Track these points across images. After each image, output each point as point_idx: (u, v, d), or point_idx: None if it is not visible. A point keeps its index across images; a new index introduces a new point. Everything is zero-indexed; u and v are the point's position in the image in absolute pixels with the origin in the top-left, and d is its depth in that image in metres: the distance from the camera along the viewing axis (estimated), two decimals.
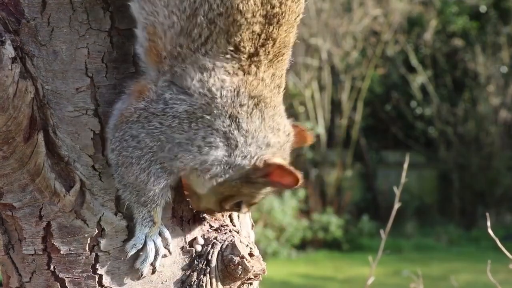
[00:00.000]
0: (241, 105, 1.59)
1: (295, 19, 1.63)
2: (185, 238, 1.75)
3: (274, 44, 1.61)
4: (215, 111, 1.58)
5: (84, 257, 1.68)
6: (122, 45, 1.67)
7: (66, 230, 1.67)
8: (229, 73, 1.58)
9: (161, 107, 1.58)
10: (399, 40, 15.92)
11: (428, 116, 16.03)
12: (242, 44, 1.57)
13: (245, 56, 1.58)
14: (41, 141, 1.63)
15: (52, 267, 1.68)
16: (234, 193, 1.68)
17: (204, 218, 1.79)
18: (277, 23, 1.59)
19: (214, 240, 1.76)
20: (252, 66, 1.60)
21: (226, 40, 1.56)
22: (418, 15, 16.18)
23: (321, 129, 15.02)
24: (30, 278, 1.70)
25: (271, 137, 1.64)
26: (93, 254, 1.68)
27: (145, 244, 1.67)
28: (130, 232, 1.69)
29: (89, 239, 1.67)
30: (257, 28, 1.57)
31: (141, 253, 1.68)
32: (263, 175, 1.64)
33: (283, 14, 1.59)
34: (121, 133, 1.60)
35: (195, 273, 1.73)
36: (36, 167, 1.63)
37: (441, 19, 16.08)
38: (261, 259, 1.77)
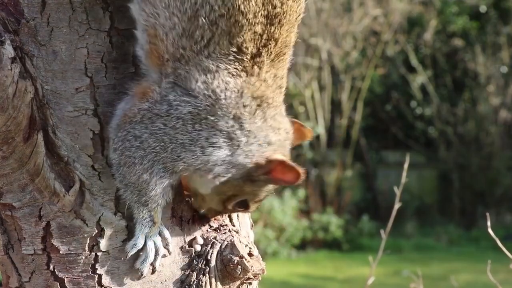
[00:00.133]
0: (244, 106, 1.60)
1: (296, 18, 1.63)
2: (184, 238, 1.75)
3: (276, 44, 1.61)
4: (219, 112, 1.58)
5: (83, 257, 1.68)
6: (121, 45, 1.67)
7: (65, 230, 1.67)
8: (232, 75, 1.58)
9: (165, 108, 1.58)
10: (399, 40, 15.92)
11: (428, 116, 16.03)
12: (244, 45, 1.57)
13: (248, 57, 1.59)
14: (41, 141, 1.63)
15: (51, 267, 1.68)
16: (237, 192, 1.68)
17: (203, 218, 1.79)
18: (279, 23, 1.59)
19: (214, 240, 1.76)
20: (255, 67, 1.60)
21: (228, 41, 1.56)
22: (418, 15, 16.18)
23: (321, 129, 15.02)
24: (30, 278, 1.70)
25: (272, 136, 1.65)
26: (93, 254, 1.68)
27: (145, 244, 1.67)
28: (130, 232, 1.69)
29: (88, 239, 1.67)
30: (259, 29, 1.57)
31: (141, 253, 1.68)
32: (265, 172, 1.65)
33: (285, 14, 1.59)
34: (124, 133, 1.60)
35: (195, 273, 1.73)
36: (36, 167, 1.63)
37: (441, 19, 16.08)
38: (261, 259, 1.77)
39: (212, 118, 1.58)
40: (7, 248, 1.72)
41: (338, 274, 11.14)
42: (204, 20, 1.54)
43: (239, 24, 1.55)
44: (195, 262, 1.74)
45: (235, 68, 1.58)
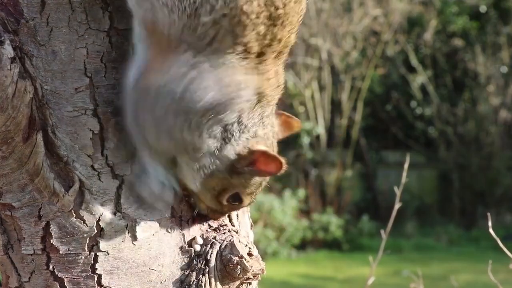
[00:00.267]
0: (247, 101, 1.60)
1: (297, 20, 1.64)
2: (184, 238, 1.75)
3: (279, 44, 1.62)
4: (228, 108, 1.59)
5: (83, 257, 1.68)
6: (121, 45, 1.67)
7: (65, 230, 1.67)
8: (242, 73, 1.59)
9: (183, 85, 1.57)
10: (399, 40, 15.93)
11: (428, 116, 16.04)
12: (249, 44, 1.58)
13: (253, 56, 1.59)
14: (40, 141, 1.63)
15: (51, 267, 1.68)
16: (226, 185, 1.69)
17: (203, 218, 1.79)
18: (281, 24, 1.60)
19: (213, 240, 1.76)
20: (261, 65, 1.61)
21: (232, 40, 1.56)
22: (418, 15, 16.19)
23: (321, 129, 15.03)
24: (29, 278, 1.70)
25: (260, 130, 1.66)
26: (92, 254, 1.68)
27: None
28: (130, 231, 1.69)
29: (88, 239, 1.67)
30: (262, 29, 1.57)
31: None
32: (248, 164, 1.66)
33: (287, 16, 1.60)
34: (143, 83, 1.59)
35: (194, 273, 1.73)
36: (35, 167, 1.63)
37: (441, 19, 16.09)
38: (260, 259, 1.77)
39: (222, 113, 1.59)
40: (7, 248, 1.72)
41: (338, 274, 11.14)
42: (205, 19, 1.54)
43: (243, 24, 1.56)
44: (194, 262, 1.74)
45: (242, 66, 1.59)
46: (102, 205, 1.68)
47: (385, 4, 15.45)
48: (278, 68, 1.66)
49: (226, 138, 1.62)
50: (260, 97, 1.63)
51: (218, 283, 1.73)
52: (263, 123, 1.66)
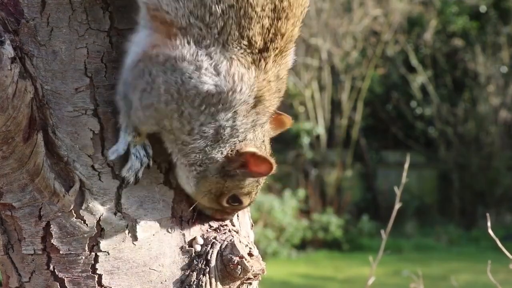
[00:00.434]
0: (245, 102, 1.60)
1: (301, 12, 1.64)
2: (184, 238, 1.75)
3: (282, 38, 1.61)
4: (227, 105, 1.59)
5: (83, 257, 1.68)
6: (121, 45, 1.67)
7: (65, 230, 1.67)
8: (245, 67, 1.58)
9: (192, 69, 1.56)
10: (399, 40, 15.93)
11: (428, 116, 16.04)
12: (254, 38, 1.57)
13: (256, 50, 1.59)
14: (41, 141, 1.63)
15: (51, 267, 1.68)
16: (221, 189, 1.69)
17: (203, 218, 1.79)
18: (286, 17, 1.59)
19: (214, 240, 1.76)
20: (262, 61, 1.60)
21: (239, 33, 1.56)
22: (418, 15, 16.19)
23: (321, 129, 15.03)
24: (30, 278, 1.70)
25: (250, 134, 1.66)
26: (93, 254, 1.68)
27: (129, 152, 1.66)
28: (131, 231, 1.69)
29: (88, 239, 1.67)
30: (266, 22, 1.57)
31: (128, 161, 1.67)
32: (239, 166, 1.66)
33: (291, 7, 1.60)
34: (142, 65, 1.59)
35: (195, 273, 1.73)
36: (36, 167, 1.63)
37: (441, 19, 16.08)
38: (261, 259, 1.77)
39: (219, 106, 1.58)
40: (7, 248, 1.72)
41: (338, 274, 11.14)
42: (213, 9, 1.54)
43: (249, 16, 1.55)
44: (195, 262, 1.74)
45: (246, 60, 1.58)
46: (102, 205, 1.68)
47: (385, 4, 15.45)
48: (280, 71, 1.64)
49: (216, 139, 1.62)
50: (258, 101, 1.62)
51: (218, 283, 1.73)
52: (254, 130, 1.65)
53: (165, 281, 1.72)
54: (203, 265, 1.73)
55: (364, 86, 15.18)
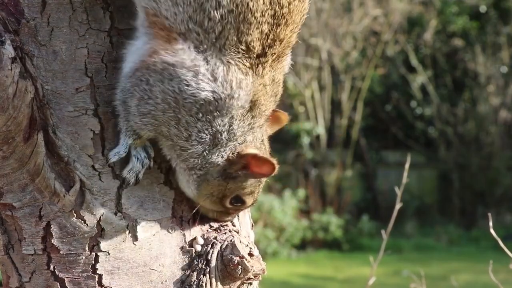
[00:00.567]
0: (242, 107, 1.60)
1: (300, 19, 1.64)
2: (184, 238, 1.75)
3: (280, 44, 1.61)
4: (223, 111, 1.59)
5: (84, 257, 1.68)
6: (121, 45, 1.67)
7: (66, 230, 1.67)
8: (243, 72, 1.58)
9: (190, 77, 1.56)
10: (399, 40, 15.93)
11: (428, 116, 16.03)
12: (252, 44, 1.57)
13: (254, 55, 1.59)
14: (41, 141, 1.63)
15: (51, 267, 1.68)
16: (223, 191, 1.70)
17: (204, 218, 1.79)
18: (285, 23, 1.60)
19: (214, 240, 1.76)
20: (259, 67, 1.60)
21: (237, 38, 1.56)
22: (418, 15, 16.19)
23: (321, 129, 15.02)
24: (30, 278, 1.70)
25: (249, 137, 1.66)
26: (93, 254, 1.68)
27: (130, 154, 1.66)
28: (131, 231, 1.69)
29: (89, 239, 1.67)
30: (265, 28, 1.57)
31: (129, 162, 1.67)
32: (241, 168, 1.66)
33: (291, 14, 1.60)
34: (139, 74, 1.59)
35: (195, 273, 1.73)
36: (36, 167, 1.63)
37: (441, 19, 16.08)
38: (261, 259, 1.77)
39: (215, 113, 1.58)
40: (7, 248, 1.72)
41: (338, 274, 11.14)
42: (212, 14, 1.54)
43: (248, 22, 1.55)
44: (195, 262, 1.74)
45: (244, 65, 1.58)
46: (102, 205, 1.68)
47: (385, 4, 15.44)
48: (276, 74, 1.64)
49: (213, 143, 1.62)
50: (253, 105, 1.62)
51: (219, 283, 1.73)
52: (253, 132, 1.65)
53: (166, 281, 1.72)
54: (203, 265, 1.73)
55: (364, 86, 15.18)
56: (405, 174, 3.04)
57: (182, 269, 1.74)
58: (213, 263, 1.73)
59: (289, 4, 1.58)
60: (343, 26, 15.26)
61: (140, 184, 1.70)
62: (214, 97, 1.58)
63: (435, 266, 11.18)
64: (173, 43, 1.57)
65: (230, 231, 1.79)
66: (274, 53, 1.61)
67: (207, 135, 1.61)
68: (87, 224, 1.67)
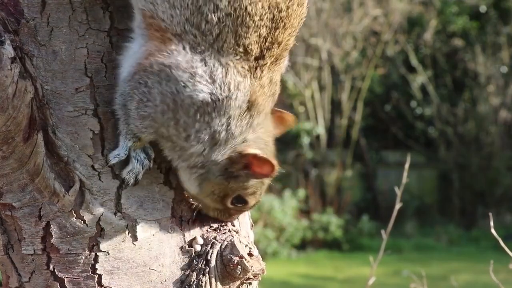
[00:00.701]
0: (239, 107, 1.61)
1: (298, 23, 1.65)
2: (184, 238, 1.75)
3: (278, 47, 1.62)
4: (221, 112, 1.59)
5: (83, 257, 1.68)
6: (121, 45, 1.67)
7: (65, 230, 1.67)
8: (241, 75, 1.59)
9: (186, 78, 1.57)
10: (399, 40, 15.93)
11: (428, 116, 16.03)
12: (250, 46, 1.58)
13: (252, 58, 1.60)
14: (41, 141, 1.63)
15: (51, 267, 1.68)
16: (225, 190, 1.70)
17: (203, 218, 1.79)
18: (283, 27, 1.60)
19: (213, 240, 1.76)
20: (258, 69, 1.61)
21: (235, 41, 1.57)
22: (418, 15, 16.19)
23: (321, 129, 15.02)
24: (30, 278, 1.70)
25: (250, 136, 1.66)
26: (93, 254, 1.68)
27: (129, 156, 1.67)
28: (130, 231, 1.69)
29: (88, 239, 1.67)
30: (264, 32, 1.58)
31: (128, 164, 1.68)
32: (242, 168, 1.66)
33: (289, 18, 1.61)
34: (138, 77, 1.60)
35: (195, 273, 1.73)
36: (36, 167, 1.63)
37: (441, 19, 16.08)
38: (260, 259, 1.77)
39: (213, 114, 1.59)
40: (7, 248, 1.72)
41: (338, 274, 11.14)
42: (209, 17, 1.54)
43: (246, 25, 1.56)
44: (195, 262, 1.74)
45: (242, 67, 1.59)
46: (102, 205, 1.68)
47: (385, 4, 15.45)
48: (273, 75, 1.65)
49: (212, 144, 1.63)
50: (251, 105, 1.63)
51: (218, 283, 1.73)
52: (254, 131, 1.65)
53: (165, 281, 1.72)
54: (203, 265, 1.73)
55: (364, 86, 15.18)
56: (405, 174, 3.04)
57: (182, 269, 1.74)
58: (213, 263, 1.73)
59: (288, 8, 1.59)
60: (343, 26, 15.26)
61: (140, 184, 1.70)
62: (212, 99, 1.58)
63: (435, 266, 11.18)
64: (167, 44, 1.58)
65: (229, 231, 1.79)
66: (272, 56, 1.62)
67: (205, 135, 1.62)
68: (86, 224, 1.67)
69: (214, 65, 1.58)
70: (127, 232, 1.70)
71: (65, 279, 1.68)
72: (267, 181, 1.75)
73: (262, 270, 1.76)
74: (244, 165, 1.66)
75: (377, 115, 16.40)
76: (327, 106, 15.27)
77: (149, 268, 1.71)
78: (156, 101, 1.60)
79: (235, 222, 1.84)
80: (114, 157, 1.67)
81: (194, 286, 1.72)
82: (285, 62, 1.69)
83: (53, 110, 1.65)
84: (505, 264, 2.99)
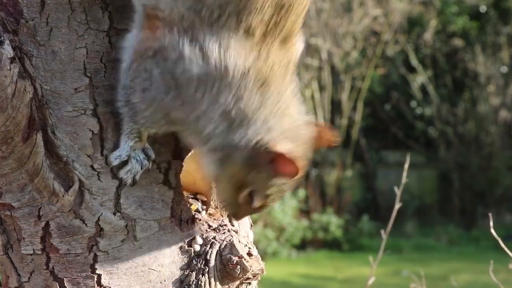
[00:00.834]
0: (245, 87, 1.59)
1: (302, 9, 1.65)
2: (183, 238, 1.75)
3: (281, 31, 1.62)
4: (223, 86, 1.58)
5: (83, 257, 1.68)
6: (119, 47, 1.67)
7: (65, 230, 1.67)
8: (241, 53, 1.58)
9: (176, 55, 1.57)
10: (399, 40, 15.92)
11: (428, 116, 16.03)
12: (251, 29, 1.58)
13: (255, 40, 1.59)
14: (40, 141, 1.63)
15: (51, 267, 1.68)
16: (243, 178, 1.65)
17: (203, 218, 1.79)
18: (286, 12, 1.61)
19: (213, 240, 1.76)
20: (261, 50, 1.60)
21: (236, 24, 1.57)
22: (418, 15, 16.18)
23: None
24: (29, 278, 1.70)
25: (272, 122, 1.62)
26: (92, 253, 1.68)
27: (129, 156, 1.67)
28: (130, 231, 1.69)
29: (88, 239, 1.67)
30: (266, 17, 1.58)
31: (127, 164, 1.68)
32: (267, 162, 1.61)
33: (292, 5, 1.61)
34: (135, 64, 1.61)
35: (194, 273, 1.73)
36: (35, 167, 1.63)
37: (441, 19, 16.08)
38: (260, 258, 1.77)
39: (214, 90, 1.58)
40: (6, 248, 1.72)
41: (338, 274, 11.14)
42: (210, 2, 1.55)
43: (248, 10, 1.56)
44: (194, 262, 1.74)
45: (244, 48, 1.58)
46: (101, 205, 1.68)
47: (385, 4, 15.44)
48: (284, 57, 1.63)
49: (228, 124, 1.60)
50: (261, 84, 1.60)
51: (217, 283, 1.73)
52: (271, 112, 1.62)
53: (164, 281, 1.72)
54: (202, 265, 1.73)
55: (364, 86, 15.17)
56: (405, 174, 3.04)
57: (181, 269, 1.74)
58: (212, 263, 1.73)
59: None
60: (343, 26, 15.26)
61: (139, 184, 1.70)
62: (208, 75, 1.57)
63: (435, 266, 11.18)
64: (160, 28, 1.58)
65: (229, 231, 1.79)
66: (277, 37, 1.62)
67: (214, 114, 1.60)
68: (86, 224, 1.67)
69: (210, 44, 1.57)
70: (126, 232, 1.70)
71: (65, 279, 1.68)
72: (286, 188, 1.70)
73: (262, 270, 1.76)
74: (269, 159, 1.62)
75: (377, 115, 16.39)
76: (327, 106, 15.26)
77: (149, 268, 1.71)
78: (158, 82, 1.60)
79: (235, 222, 1.84)
80: (116, 158, 1.67)
81: (194, 286, 1.72)
82: (298, 45, 1.68)
83: (52, 110, 1.65)
84: (505, 264, 2.99)
